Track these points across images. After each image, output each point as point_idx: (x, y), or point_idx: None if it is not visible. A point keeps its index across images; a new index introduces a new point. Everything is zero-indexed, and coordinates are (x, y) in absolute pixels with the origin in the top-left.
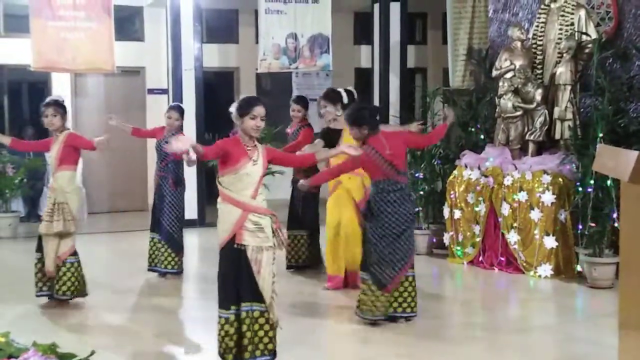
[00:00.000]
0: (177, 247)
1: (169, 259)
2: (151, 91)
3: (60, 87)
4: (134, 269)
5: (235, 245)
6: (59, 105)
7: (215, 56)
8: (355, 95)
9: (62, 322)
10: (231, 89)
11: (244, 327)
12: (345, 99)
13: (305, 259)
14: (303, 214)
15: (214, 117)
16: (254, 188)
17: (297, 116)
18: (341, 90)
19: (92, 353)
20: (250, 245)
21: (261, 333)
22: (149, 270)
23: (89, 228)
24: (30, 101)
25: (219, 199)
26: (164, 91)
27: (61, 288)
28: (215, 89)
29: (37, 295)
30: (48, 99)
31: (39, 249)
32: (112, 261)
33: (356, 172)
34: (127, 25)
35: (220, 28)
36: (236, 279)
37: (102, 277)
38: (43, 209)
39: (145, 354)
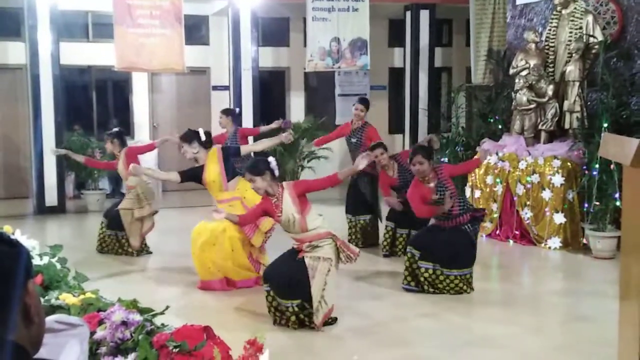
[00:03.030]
0: None
1: None
2: (215, 88)
3: (139, 85)
4: None
5: (297, 258)
6: (115, 135)
7: (269, 58)
8: (212, 136)
9: (142, 281)
10: (283, 86)
11: (288, 314)
12: (202, 137)
13: (363, 242)
14: (365, 200)
15: (268, 109)
16: (299, 227)
17: (360, 115)
18: (200, 130)
19: (167, 308)
20: (309, 255)
21: (305, 320)
22: None
23: (165, 204)
24: (114, 97)
25: None
26: (226, 87)
27: (145, 246)
28: (269, 85)
29: (98, 251)
30: (109, 132)
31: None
32: (185, 230)
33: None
34: (195, 31)
35: (274, 33)
36: (290, 277)
37: (179, 242)
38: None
39: (213, 309)
